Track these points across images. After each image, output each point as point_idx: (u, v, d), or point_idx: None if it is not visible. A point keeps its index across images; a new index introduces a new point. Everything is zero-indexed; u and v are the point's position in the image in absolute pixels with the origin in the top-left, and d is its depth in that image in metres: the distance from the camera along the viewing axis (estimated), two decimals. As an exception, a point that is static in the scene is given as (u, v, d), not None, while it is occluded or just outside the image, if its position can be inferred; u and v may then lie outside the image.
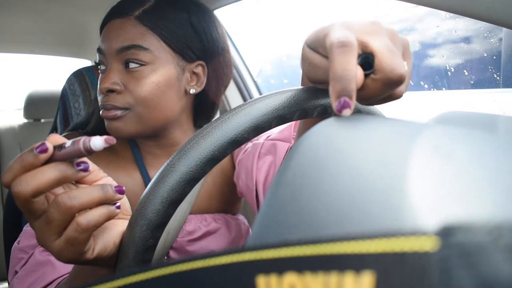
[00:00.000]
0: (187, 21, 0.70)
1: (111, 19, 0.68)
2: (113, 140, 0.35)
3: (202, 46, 0.71)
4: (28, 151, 0.35)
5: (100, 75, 0.70)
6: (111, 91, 0.66)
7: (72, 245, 0.37)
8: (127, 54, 0.65)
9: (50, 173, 0.35)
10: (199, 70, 0.72)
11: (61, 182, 0.35)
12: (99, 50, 0.68)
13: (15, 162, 0.35)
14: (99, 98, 0.68)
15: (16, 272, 0.60)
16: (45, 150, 0.34)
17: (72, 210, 0.36)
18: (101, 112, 0.68)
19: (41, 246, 0.38)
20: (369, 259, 0.13)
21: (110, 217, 0.38)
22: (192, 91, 0.71)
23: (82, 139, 0.35)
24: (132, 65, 0.65)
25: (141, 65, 0.65)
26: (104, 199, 0.37)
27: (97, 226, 0.37)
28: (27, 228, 0.64)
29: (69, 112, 0.97)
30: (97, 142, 0.35)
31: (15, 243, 0.63)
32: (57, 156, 0.35)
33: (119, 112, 0.66)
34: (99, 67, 0.70)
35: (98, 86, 0.67)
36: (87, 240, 0.38)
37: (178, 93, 0.70)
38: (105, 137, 0.35)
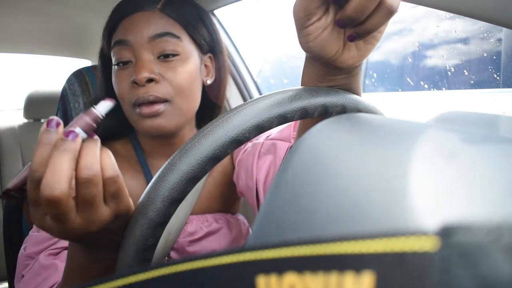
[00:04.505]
0: (198, 14, 0.72)
1: (133, 12, 0.67)
2: (113, 100, 0.37)
3: (211, 39, 0.74)
4: (63, 146, 0.34)
5: (116, 71, 0.67)
6: (149, 80, 0.64)
7: (119, 195, 0.37)
8: (160, 42, 0.65)
9: (97, 148, 0.35)
10: (209, 62, 0.75)
11: (74, 158, 0.35)
12: (122, 42, 0.66)
13: (63, 164, 0.33)
14: (132, 93, 0.64)
15: (23, 276, 0.61)
16: (74, 134, 0.34)
17: (98, 174, 0.35)
18: (138, 109, 0.65)
19: (98, 233, 0.38)
20: (369, 259, 0.13)
21: (112, 157, 0.38)
22: (208, 81, 0.74)
23: (84, 114, 0.36)
24: (167, 55, 0.65)
25: (175, 55, 0.66)
26: (99, 147, 0.37)
27: (115, 166, 0.37)
28: (32, 233, 0.64)
29: (69, 112, 0.97)
30: (102, 106, 0.36)
31: (22, 250, 0.63)
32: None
33: (162, 107, 0.64)
34: (118, 64, 0.67)
35: (135, 77, 0.62)
36: (123, 182, 0.38)
37: (200, 84, 0.72)
38: (106, 99, 0.37)
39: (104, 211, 0.37)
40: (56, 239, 0.62)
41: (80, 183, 0.35)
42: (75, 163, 0.35)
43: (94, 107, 0.37)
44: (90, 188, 0.35)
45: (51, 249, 0.61)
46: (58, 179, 0.33)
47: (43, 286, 0.57)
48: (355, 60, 0.41)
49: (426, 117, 0.32)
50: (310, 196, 0.20)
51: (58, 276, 0.58)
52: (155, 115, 0.65)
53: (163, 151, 0.75)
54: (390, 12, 0.35)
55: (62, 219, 0.35)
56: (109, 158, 0.37)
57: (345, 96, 0.42)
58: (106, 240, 0.40)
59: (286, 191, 0.21)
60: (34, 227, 0.65)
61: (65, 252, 0.61)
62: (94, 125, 0.36)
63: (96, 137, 0.37)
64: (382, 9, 0.35)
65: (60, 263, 0.59)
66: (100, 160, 0.36)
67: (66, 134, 0.35)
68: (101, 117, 0.36)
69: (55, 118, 0.35)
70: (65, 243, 0.61)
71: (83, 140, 0.36)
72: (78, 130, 0.35)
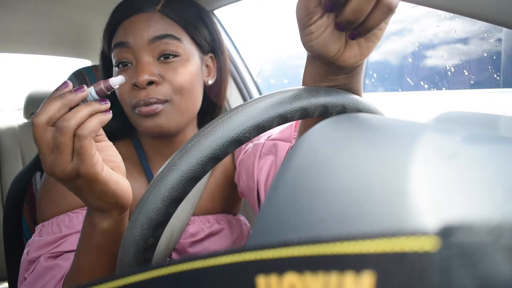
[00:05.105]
0: (198, 14, 0.72)
1: (133, 14, 0.67)
2: (126, 76, 0.46)
3: (212, 39, 0.74)
4: (65, 93, 0.43)
5: (117, 73, 0.67)
6: (150, 83, 0.64)
7: (81, 154, 0.43)
8: (160, 44, 0.65)
9: (86, 109, 0.43)
10: (210, 62, 0.75)
11: (93, 114, 0.44)
12: (122, 44, 0.66)
13: (54, 104, 0.43)
14: (132, 96, 0.65)
15: (25, 278, 0.61)
16: (82, 89, 0.44)
17: (71, 129, 0.42)
18: (137, 109, 0.65)
19: (62, 180, 0.45)
20: (369, 259, 0.13)
21: (102, 122, 0.45)
22: (210, 82, 0.74)
23: (101, 81, 0.45)
24: (167, 56, 0.65)
25: (176, 56, 0.66)
26: (92, 111, 0.44)
27: (94, 130, 0.44)
28: (34, 238, 0.64)
29: (69, 112, 0.96)
30: (116, 79, 0.46)
31: (24, 254, 0.63)
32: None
33: (160, 106, 0.65)
34: (118, 65, 0.67)
35: (136, 79, 0.63)
36: (91, 147, 0.44)
37: (202, 84, 0.72)
38: (120, 75, 0.46)
39: (67, 162, 0.44)
40: (57, 243, 0.62)
41: (55, 127, 0.43)
42: (66, 109, 0.43)
43: (110, 79, 0.46)
44: (58, 134, 0.42)
45: (51, 253, 0.61)
46: (42, 112, 0.43)
47: (51, 286, 0.57)
48: (357, 59, 0.41)
49: (426, 117, 0.32)
50: (310, 196, 0.20)
51: (63, 271, 0.58)
52: (154, 114, 0.65)
53: (164, 152, 0.75)
54: (389, 9, 0.35)
55: (41, 149, 0.43)
56: (94, 121, 0.44)
57: (345, 96, 0.42)
58: (79, 194, 0.48)
59: (286, 192, 0.21)
60: (36, 232, 0.65)
61: (65, 254, 0.61)
62: (107, 91, 0.45)
63: (107, 102, 0.45)
64: (381, 7, 0.35)
65: (63, 262, 0.59)
66: (86, 120, 0.43)
67: (76, 89, 0.44)
68: (114, 87, 0.46)
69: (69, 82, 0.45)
70: (65, 247, 0.61)
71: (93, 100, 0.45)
72: (91, 90, 0.45)
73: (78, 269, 0.53)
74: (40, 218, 0.68)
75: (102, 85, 0.45)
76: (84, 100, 0.45)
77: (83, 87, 0.44)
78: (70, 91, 0.44)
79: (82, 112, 0.43)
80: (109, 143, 0.50)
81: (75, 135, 0.43)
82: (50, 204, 0.66)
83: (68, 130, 0.42)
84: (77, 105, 0.44)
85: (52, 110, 0.43)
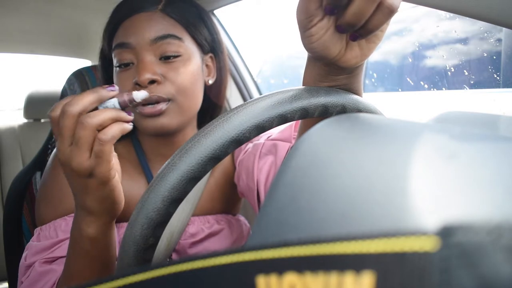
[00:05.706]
0: (199, 14, 0.72)
1: (134, 13, 0.67)
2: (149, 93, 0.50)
3: (212, 39, 0.74)
4: (98, 89, 0.46)
5: (118, 73, 0.67)
6: (152, 82, 0.64)
7: (100, 158, 0.45)
8: (162, 45, 0.65)
9: (110, 112, 0.45)
10: (210, 62, 0.76)
11: (116, 120, 0.46)
12: (124, 45, 0.66)
13: (88, 97, 0.45)
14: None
15: (22, 282, 0.61)
16: (113, 87, 0.47)
17: (92, 125, 0.44)
18: (138, 109, 0.65)
19: (76, 174, 0.47)
20: (369, 259, 0.13)
21: (123, 130, 0.46)
22: (210, 81, 0.75)
23: (125, 93, 0.48)
24: (169, 56, 0.65)
25: (177, 56, 0.66)
26: (116, 117, 0.46)
27: (115, 137, 0.45)
28: (32, 242, 0.64)
29: (69, 112, 0.96)
30: (140, 94, 0.48)
31: (22, 260, 0.63)
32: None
33: (164, 106, 0.65)
34: (119, 65, 0.66)
35: (137, 78, 0.63)
36: (110, 152, 0.46)
37: (202, 83, 0.73)
38: (143, 91, 0.49)
39: (84, 158, 0.45)
40: (53, 248, 0.62)
41: (78, 122, 0.45)
42: (97, 104, 0.46)
43: (133, 92, 0.48)
44: (80, 129, 0.44)
45: (46, 258, 0.61)
46: (76, 103, 0.44)
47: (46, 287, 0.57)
48: (358, 59, 0.41)
49: (426, 117, 0.32)
50: (309, 196, 0.20)
51: (58, 275, 0.58)
52: (158, 114, 0.64)
53: (164, 152, 0.75)
54: (391, 11, 0.35)
55: (63, 139, 0.45)
56: (115, 128, 0.45)
57: (345, 96, 0.42)
58: (83, 193, 0.49)
59: (285, 192, 0.21)
60: (34, 236, 0.65)
61: (61, 259, 0.61)
62: (129, 104, 0.48)
63: (132, 114, 0.47)
64: (383, 9, 0.35)
65: (58, 267, 0.59)
66: (108, 125, 0.45)
67: (107, 86, 0.47)
68: (136, 100, 0.48)
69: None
70: (60, 252, 0.61)
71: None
72: (114, 100, 0.47)
73: (69, 275, 0.53)
74: (38, 221, 0.67)
75: (125, 97, 0.47)
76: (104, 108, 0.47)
77: (114, 86, 0.47)
78: (103, 88, 0.46)
79: (106, 114, 0.45)
80: (115, 153, 0.52)
81: (95, 138, 0.45)
82: (48, 207, 0.66)
83: (88, 126, 0.44)
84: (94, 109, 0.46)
85: (86, 101, 0.45)
